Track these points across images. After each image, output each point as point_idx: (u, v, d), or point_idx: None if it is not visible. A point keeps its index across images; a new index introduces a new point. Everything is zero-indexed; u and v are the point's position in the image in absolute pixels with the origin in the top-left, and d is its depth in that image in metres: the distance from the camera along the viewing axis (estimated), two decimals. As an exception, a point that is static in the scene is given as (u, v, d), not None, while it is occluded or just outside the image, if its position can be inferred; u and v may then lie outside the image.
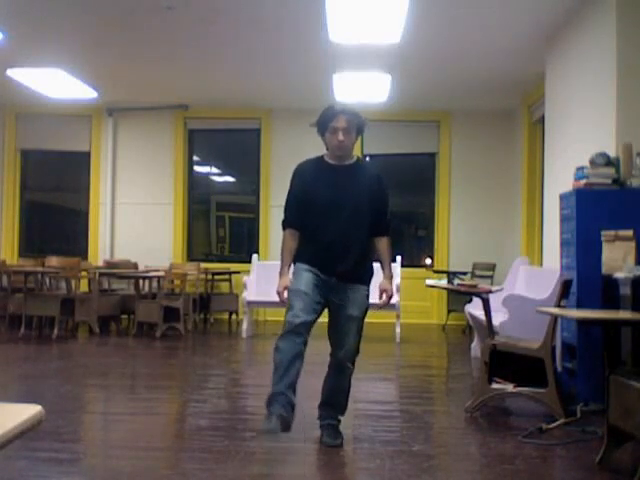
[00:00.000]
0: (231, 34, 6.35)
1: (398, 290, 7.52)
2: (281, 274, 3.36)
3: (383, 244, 3.44)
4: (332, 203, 3.29)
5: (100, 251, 9.48)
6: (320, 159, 3.43)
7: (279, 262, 3.42)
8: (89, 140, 9.62)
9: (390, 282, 3.41)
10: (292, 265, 3.39)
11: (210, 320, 8.76)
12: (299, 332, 3.14)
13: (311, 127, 3.39)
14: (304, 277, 3.27)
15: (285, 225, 3.42)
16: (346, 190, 3.32)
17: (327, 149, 3.41)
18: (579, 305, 4.29)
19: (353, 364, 3.39)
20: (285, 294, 3.30)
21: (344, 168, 3.37)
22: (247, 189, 9.81)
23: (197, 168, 9.97)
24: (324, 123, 3.32)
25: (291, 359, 3.09)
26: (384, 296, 3.40)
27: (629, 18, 4.65)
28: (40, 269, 7.89)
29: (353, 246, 3.32)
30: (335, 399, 3.46)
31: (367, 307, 3.37)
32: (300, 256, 3.35)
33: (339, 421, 3.47)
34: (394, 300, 7.12)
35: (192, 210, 9.81)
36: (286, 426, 3.04)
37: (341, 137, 3.26)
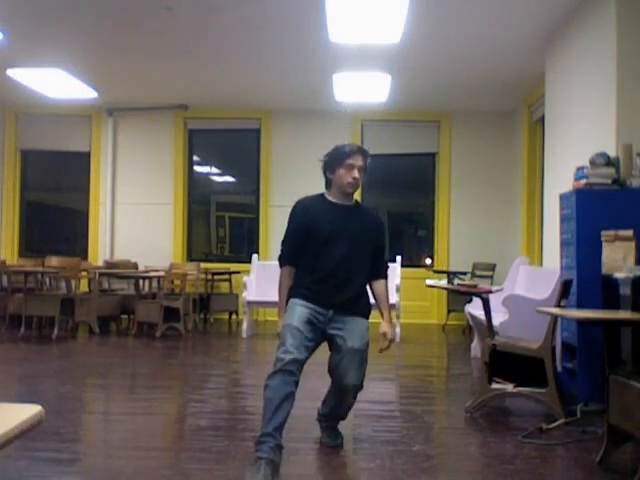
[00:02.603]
0: (231, 34, 6.36)
1: (398, 290, 7.54)
2: (280, 313, 3.25)
3: (381, 287, 3.36)
4: (333, 234, 3.21)
5: (100, 251, 9.49)
6: (321, 196, 3.36)
7: (278, 261, 3.35)
8: (89, 140, 9.62)
9: (390, 325, 3.31)
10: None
11: (210, 320, 8.77)
12: (290, 371, 3.00)
13: (327, 162, 3.30)
14: (297, 312, 3.15)
15: (282, 262, 3.31)
16: (348, 225, 3.25)
17: (327, 187, 3.34)
18: (579, 305, 4.29)
19: (355, 398, 3.31)
20: None
21: (346, 207, 3.32)
22: (247, 189, 9.81)
23: (197, 168, 9.98)
24: (338, 159, 3.24)
25: (280, 401, 2.97)
26: (385, 340, 3.27)
27: (629, 18, 4.64)
28: (40, 269, 7.88)
29: (353, 277, 3.23)
30: (336, 414, 3.46)
31: (368, 341, 3.25)
32: (295, 290, 3.24)
33: (338, 422, 3.48)
34: (394, 300, 7.20)
35: (192, 210, 9.81)
36: (274, 470, 2.92)
37: (356, 174, 3.23)
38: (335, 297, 3.19)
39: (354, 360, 3.17)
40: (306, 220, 3.25)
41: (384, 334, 3.28)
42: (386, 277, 3.41)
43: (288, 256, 3.30)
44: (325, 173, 3.32)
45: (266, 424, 2.96)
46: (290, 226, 3.32)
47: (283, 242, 3.34)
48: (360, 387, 3.25)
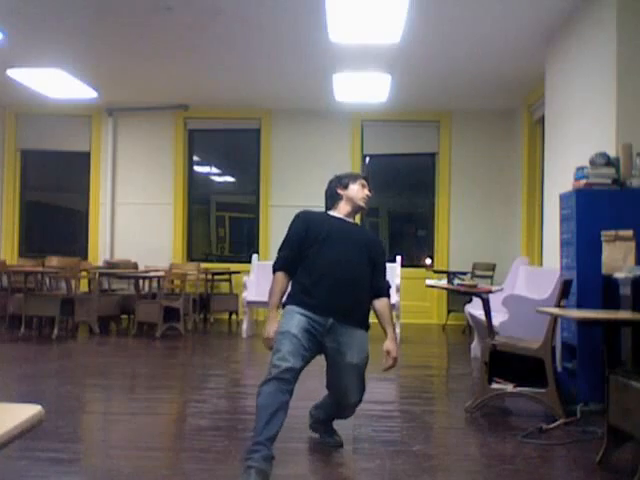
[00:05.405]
0: (231, 34, 6.36)
1: (398, 290, 7.54)
2: (270, 318, 3.13)
3: (383, 305, 3.28)
4: (332, 237, 3.20)
5: (100, 251, 9.49)
6: (324, 213, 3.40)
7: (272, 267, 3.26)
8: (89, 140, 9.63)
9: (394, 343, 3.19)
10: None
11: (210, 320, 8.77)
12: (286, 379, 2.89)
13: (338, 178, 3.42)
14: (295, 319, 3.05)
15: (277, 267, 3.22)
16: (346, 233, 3.27)
17: (331, 205, 3.38)
18: (579, 305, 4.29)
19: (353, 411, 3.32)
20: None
21: (348, 222, 3.38)
22: (247, 189, 9.81)
23: (197, 168, 9.98)
24: (353, 177, 3.43)
25: (275, 410, 2.87)
26: (389, 359, 3.18)
27: (629, 18, 4.64)
28: (40, 269, 7.89)
29: (351, 283, 3.15)
30: (334, 419, 3.46)
31: (367, 355, 3.16)
32: (292, 297, 3.16)
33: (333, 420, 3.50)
34: (394, 300, 7.19)
35: (192, 210, 9.82)
36: (264, 479, 2.84)
37: (368, 192, 3.41)
38: (333, 302, 3.10)
39: (354, 376, 3.13)
40: (307, 227, 3.23)
41: (388, 352, 3.18)
42: (389, 296, 3.34)
43: (283, 262, 3.23)
44: (335, 190, 3.38)
45: (259, 433, 2.86)
46: (290, 232, 3.28)
47: (280, 249, 3.28)
48: (359, 402, 3.22)
